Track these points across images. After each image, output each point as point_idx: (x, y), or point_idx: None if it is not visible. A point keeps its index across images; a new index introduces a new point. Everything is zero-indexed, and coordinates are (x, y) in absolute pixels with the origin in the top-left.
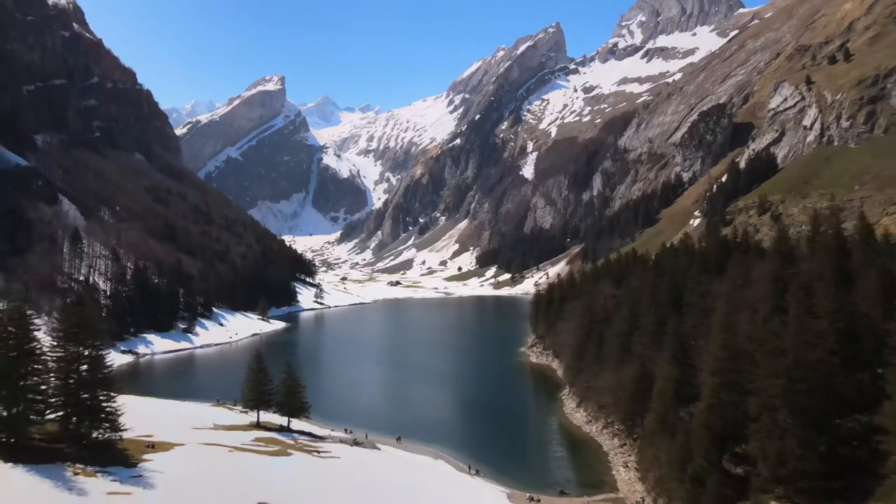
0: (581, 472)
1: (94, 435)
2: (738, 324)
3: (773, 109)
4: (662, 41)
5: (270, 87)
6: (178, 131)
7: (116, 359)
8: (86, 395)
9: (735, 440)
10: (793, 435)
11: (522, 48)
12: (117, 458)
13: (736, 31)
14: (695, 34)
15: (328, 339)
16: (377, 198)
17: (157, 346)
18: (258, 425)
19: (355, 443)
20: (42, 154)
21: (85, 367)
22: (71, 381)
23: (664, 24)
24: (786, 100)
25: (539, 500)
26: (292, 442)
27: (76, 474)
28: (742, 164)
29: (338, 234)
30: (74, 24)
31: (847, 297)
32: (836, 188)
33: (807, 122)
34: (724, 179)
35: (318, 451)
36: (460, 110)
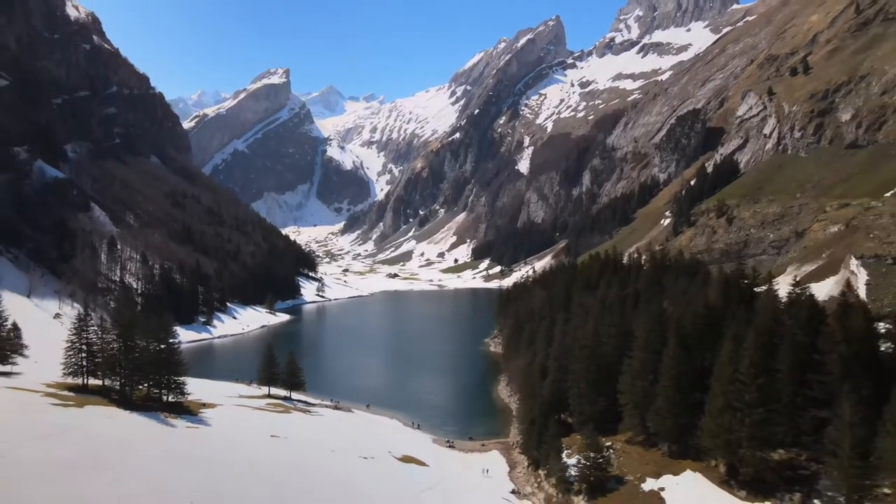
0: (491, 428)
1: (170, 397)
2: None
3: (740, 117)
4: (658, 36)
5: (275, 80)
6: (186, 125)
7: None
8: (164, 372)
9: (565, 401)
10: (588, 397)
11: (522, 41)
12: (185, 410)
13: (728, 28)
14: (689, 30)
15: (326, 330)
16: (380, 189)
17: (182, 336)
18: (269, 395)
19: (336, 407)
20: (73, 164)
21: (164, 355)
22: (155, 363)
23: (660, 19)
24: (751, 108)
25: (453, 443)
26: (293, 406)
27: (166, 417)
28: (709, 169)
29: (341, 224)
30: (94, 37)
31: (631, 310)
32: (782, 195)
33: (767, 130)
34: (693, 182)
35: (310, 412)
36: (461, 102)
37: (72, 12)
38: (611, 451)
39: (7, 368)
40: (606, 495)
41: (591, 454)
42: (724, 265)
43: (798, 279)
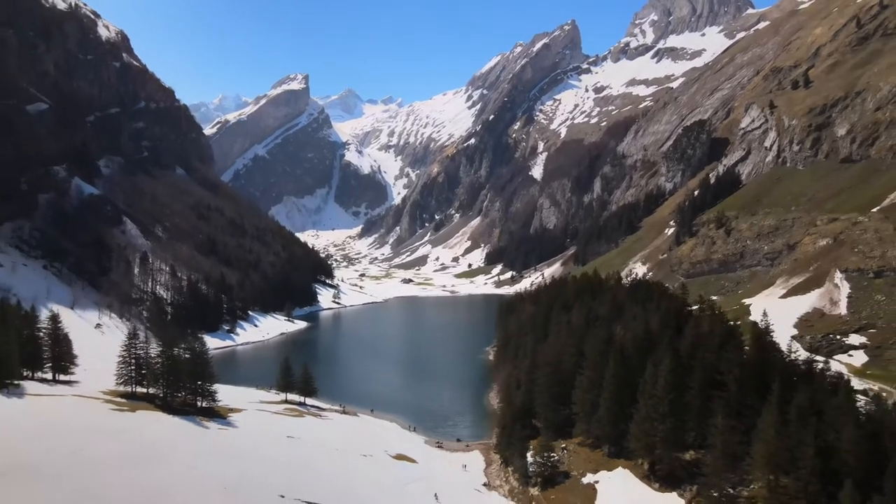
0: (479, 431)
1: (203, 403)
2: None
3: (743, 129)
4: (672, 41)
5: (295, 85)
6: (208, 130)
7: None
8: (199, 383)
9: (535, 409)
10: (550, 406)
11: (538, 45)
12: (216, 414)
13: (742, 33)
14: (703, 34)
15: (340, 338)
16: (397, 192)
17: (208, 344)
18: (286, 401)
19: (343, 412)
20: (105, 180)
21: (199, 368)
22: (192, 374)
23: (675, 24)
24: (753, 121)
25: (441, 444)
26: (306, 411)
27: (201, 420)
28: (712, 180)
29: (359, 228)
30: (124, 55)
31: (586, 329)
32: (778, 208)
33: (768, 143)
34: (696, 193)
35: (321, 416)
36: (478, 106)
37: (103, 32)
38: (565, 451)
39: (67, 377)
40: (555, 486)
41: (545, 454)
42: (723, 275)
43: (785, 291)
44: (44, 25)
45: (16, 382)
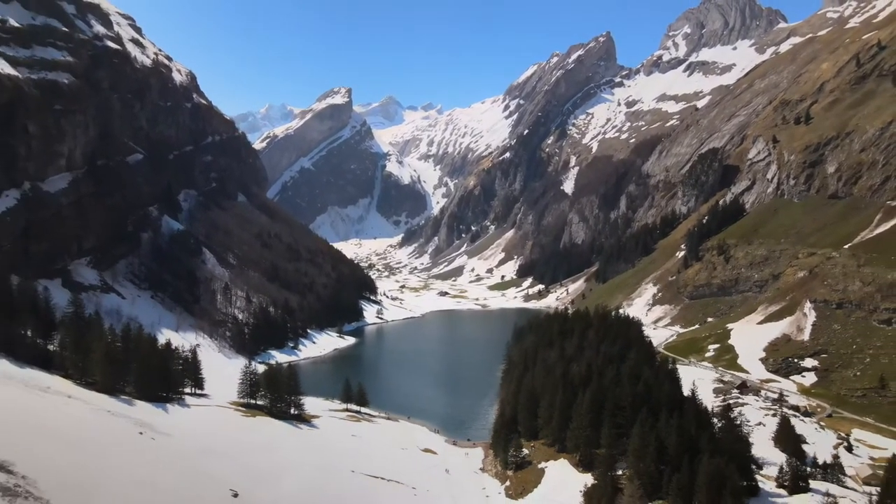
0: (484, 434)
1: (294, 411)
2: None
3: (750, 159)
4: (705, 54)
5: (338, 99)
6: (258, 145)
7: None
8: (293, 397)
9: (517, 418)
10: (527, 418)
11: (573, 57)
12: (303, 420)
13: (773, 48)
14: (735, 48)
15: (383, 353)
16: (436, 202)
17: (278, 359)
18: (347, 409)
19: (387, 418)
20: (186, 214)
21: (292, 386)
22: (287, 391)
23: (707, 37)
24: (759, 152)
25: (455, 442)
26: (362, 417)
27: (296, 423)
28: (720, 207)
29: (400, 237)
30: (194, 95)
31: (555, 365)
32: (770, 239)
33: (769, 175)
34: (705, 219)
35: (372, 421)
36: (514, 116)
37: (177, 77)
38: (533, 448)
39: (201, 392)
40: (522, 470)
41: (518, 450)
42: (721, 298)
43: (763, 318)
44: (138, 86)
45: (182, 397)
